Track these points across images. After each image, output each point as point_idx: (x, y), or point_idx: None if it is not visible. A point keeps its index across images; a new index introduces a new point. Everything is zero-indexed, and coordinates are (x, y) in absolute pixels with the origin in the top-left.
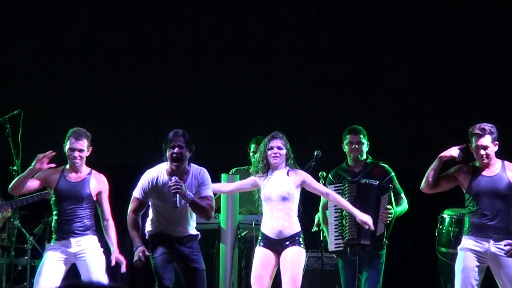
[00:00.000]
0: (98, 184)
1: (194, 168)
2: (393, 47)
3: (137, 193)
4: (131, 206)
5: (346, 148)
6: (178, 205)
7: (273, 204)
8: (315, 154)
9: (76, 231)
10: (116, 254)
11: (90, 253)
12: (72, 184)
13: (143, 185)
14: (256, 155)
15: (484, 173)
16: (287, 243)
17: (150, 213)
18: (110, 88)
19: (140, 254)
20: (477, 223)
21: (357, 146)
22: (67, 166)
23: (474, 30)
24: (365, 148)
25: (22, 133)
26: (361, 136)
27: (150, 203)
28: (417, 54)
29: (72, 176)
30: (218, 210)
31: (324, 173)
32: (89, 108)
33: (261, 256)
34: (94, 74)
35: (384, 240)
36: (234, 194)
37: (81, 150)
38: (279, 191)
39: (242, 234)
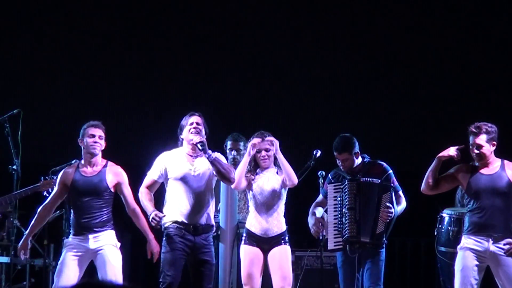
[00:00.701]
0: (114, 176)
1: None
2: (393, 47)
3: (151, 172)
4: (144, 182)
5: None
6: (202, 146)
7: (263, 202)
8: (313, 153)
9: (94, 228)
10: (151, 243)
11: (108, 250)
12: (88, 179)
13: (158, 164)
14: (243, 155)
15: (483, 171)
16: (274, 241)
17: (167, 201)
18: (110, 88)
19: (154, 216)
20: (476, 221)
21: (344, 164)
22: (82, 162)
23: (475, 30)
24: (354, 160)
25: (22, 133)
26: (347, 154)
27: (167, 187)
28: (418, 53)
29: (88, 171)
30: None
31: (324, 172)
32: (88, 107)
33: (249, 254)
34: (94, 73)
35: (384, 239)
36: (234, 194)
37: (100, 137)
38: (270, 189)
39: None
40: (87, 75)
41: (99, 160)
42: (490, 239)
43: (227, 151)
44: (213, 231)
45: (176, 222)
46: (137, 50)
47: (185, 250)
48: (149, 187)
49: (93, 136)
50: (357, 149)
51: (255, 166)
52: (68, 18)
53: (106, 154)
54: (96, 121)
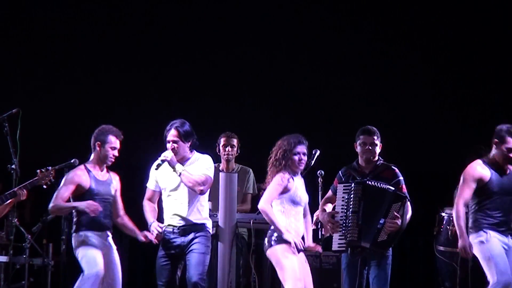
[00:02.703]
0: (116, 183)
1: (195, 155)
2: (406, 43)
3: (148, 183)
4: (145, 195)
5: (358, 148)
6: (157, 166)
7: (300, 209)
8: (313, 152)
9: (110, 226)
10: (143, 233)
11: (115, 250)
12: (102, 183)
13: (151, 175)
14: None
15: (501, 171)
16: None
17: (163, 207)
18: (109, 87)
19: (155, 229)
20: (498, 218)
21: (370, 148)
22: (91, 163)
23: (491, 25)
24: (378, 149)
25: (21, 132)
26: (375, 138)
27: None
28: (432, 51)
29: (99, 175)
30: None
31: (323, 172)
32: (87, 106)
33: (300, 261)
34: (93, 72)
35: (387, 249)
36: (232, 193)
37: (119, 150)
38: (306, 196)
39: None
40: (86, 74)
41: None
42: (509, 235)
43: (221, 148)
44: (206, 229)
45: (167, 226)
46: (137, 49)
47: (171, 254)
48: (150, 199)
49: (115, 149)
50: (380, 141)
51: (287, 168)
52: (67, 17)
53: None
54: (117, 129)
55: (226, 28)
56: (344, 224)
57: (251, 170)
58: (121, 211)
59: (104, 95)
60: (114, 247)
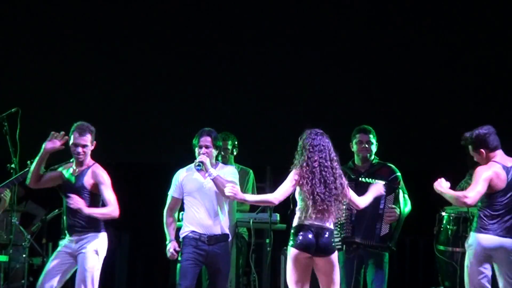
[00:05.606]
0: (92, 175)
1: (220, 165)
2: (401, 43)
3: (171, 191)
4: (167, 204)
5: (354, 147)
6: (198, 167)
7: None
8: None
9: (76, 227)
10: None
11: (87, 253)
12: (70, 177)
13: (175, 182)
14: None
15: None
16: None
17: (185, 212)
18: (110, 86)
19: (172, 250)
20: None
21: (366, 146)
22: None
23: (488, 27)
24: (374, 148)
25: (20, 131)
26: (371, 136)
27: (184, 200)
28: (432, 49)
29: (75, 171)
30: None
31: None
32: (87, 106)
33: None
34: (93, 71)
35: (389, 244)
36: None
37: (84, 146)
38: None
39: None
40: (86, 73)
41: (87, 161)
42: None
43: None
44: (229, 239)
45: (192, 232)
46: (137, 48)
47: (198, 259)
48: (171, 209)
49: (76, 146)
50: (376, 140)
51: None
52: (67, 16)
53: (108, 152)
54: (83, 125)
55: (226, 29)
56: (338, 222)
57: (251, 171)
58: (107, 203)
59: (104, 95)
60: (84, 251)
